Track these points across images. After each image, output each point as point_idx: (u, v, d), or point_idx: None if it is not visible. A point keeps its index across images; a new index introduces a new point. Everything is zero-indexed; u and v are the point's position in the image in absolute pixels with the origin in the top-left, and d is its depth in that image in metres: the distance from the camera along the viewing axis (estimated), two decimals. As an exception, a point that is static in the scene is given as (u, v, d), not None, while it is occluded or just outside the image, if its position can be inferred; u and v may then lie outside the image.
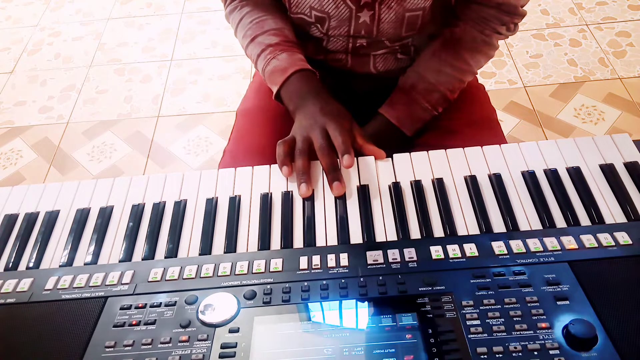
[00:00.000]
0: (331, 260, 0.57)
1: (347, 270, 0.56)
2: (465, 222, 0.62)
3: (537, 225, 0.60)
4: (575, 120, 1.78)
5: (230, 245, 0.62)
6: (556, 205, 0.62)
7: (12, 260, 0.63)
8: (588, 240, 0.57)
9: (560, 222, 0.61)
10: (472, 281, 0.54)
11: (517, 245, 0.57)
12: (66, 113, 2.00)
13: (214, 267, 0.58)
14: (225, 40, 2.25)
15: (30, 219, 0.67)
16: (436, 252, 0.57)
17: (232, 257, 0.59)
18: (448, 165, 0.68)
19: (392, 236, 0.61)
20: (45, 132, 1.93)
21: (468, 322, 0.50)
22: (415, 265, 0.56)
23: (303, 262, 0.58)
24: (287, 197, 0.66)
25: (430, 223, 0.62)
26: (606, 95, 1.85)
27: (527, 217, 0.61)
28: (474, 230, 0.61)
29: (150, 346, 0.51)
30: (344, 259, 0.57)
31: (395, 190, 0.65)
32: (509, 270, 0.54)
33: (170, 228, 0.64)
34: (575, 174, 0.65)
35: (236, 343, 0.50)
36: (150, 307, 0.54)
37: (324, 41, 0.87)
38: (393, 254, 0.57)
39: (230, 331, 0.51)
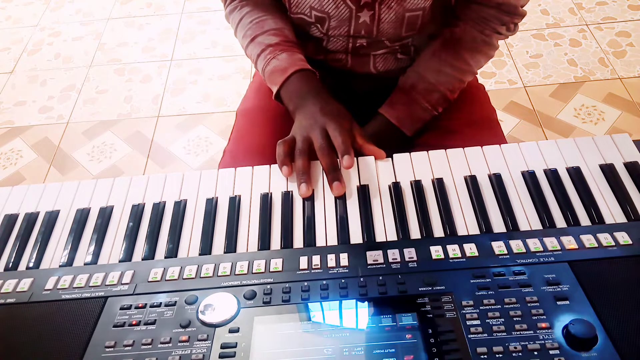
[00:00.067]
0: (331, 260, 0.57)
1: (347, 270, 0.56)
2: (465, 222, 0.62)
3: (537, 225, 0.60)
4: (575, 120, 1.78)
5: (230, 245, 0.62)
6: (556, 205, 0.62)
7: (12, 260, 0.63)
8: (588, 240, 0.57)
9: (560, 222, 0.61)
10: (472, 281, 0.54)
11: (517, 245, 0.57)
12: (66, 113, 2.00)
13: (214, 267, 0.58)
14: (225, 40, 2.25)
15: (30, 219, 0.67)
16: (436, 252, 0.57)
17: (232, 257, 0.59)
18: (448, 165, 0.68)
19: (392, 236, 0.61)
20: (45, 132, 1.93)
21: (468, 322, 0.50)
22: (415, 265, 0.56)
23: (303, 262, 0.58)
24: (287, 197, 0.66)
25: (430, 223, 0.62)
26: (606, 95, 1.85)
27: (527, 217, 0.61)
28: (474, 230, 0.61)
29: (150, 346, 0.51)
30: (344, 259, 0.57)
31: (395, 190, 0.65)
32: (509, 270, 0.54)
33: (170, 228, 0.64)
34: (575, 174, 0.65)
35: (236, 343, 0.50)
36: (150, 307, 0.54)
37: (324, 41, 0.87)
38: (393, 254, 0.57)
39: (230, 331, 0.51)
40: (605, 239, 0.57)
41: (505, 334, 0.49)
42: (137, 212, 0.66)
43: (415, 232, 0.61)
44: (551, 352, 0.47)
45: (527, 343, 0.48)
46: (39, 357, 0.51)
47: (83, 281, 0.58)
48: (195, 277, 0.57)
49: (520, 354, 0.47)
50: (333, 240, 0.61)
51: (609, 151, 0.68)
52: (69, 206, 0.68)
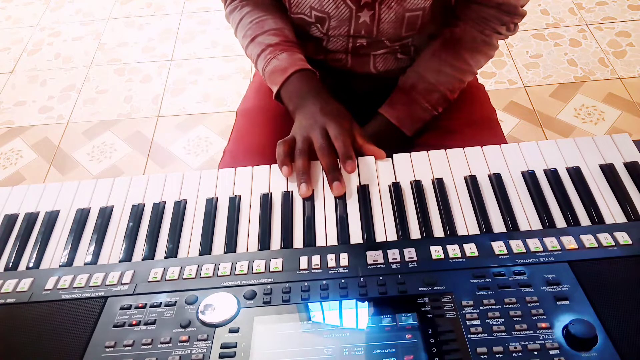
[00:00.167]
0: (331, 260, 0.57)
1: (347, 270, 0.56)
2: (465, 222, 0.62)
3: (537, 225, 0.60)
4: (575, 120, 1.78)
5: (230, 245, 0.62)
6: (556, 205, 0.62)
7: (12, 260, 0.63)
8: (588, 240, 0.57)
9: (560, 222, 0.61)
10: (472, 281, 0.54)
11: (517, 245, 0.57)
12: (66, 113, 2.00)
13: (214, 267, 0.58)
14: (225, 40, 2.25)
15: (30, 219, 0.67)
16: (436, 252, 0.57)
17: (232, 257, 0.59)
18: (448, 165, 0.68)
19: (392, 236, 0.61)
20: (45, 132, 1.93)
21: (468, 322, 0.50)
22: (415, 265, 0.56)
23: (303, 262, 0.58)
24: (287, 197, 0.66)
25: (430, 223, 0.62)
26: (606, 95, 1.85)
27: (527, 217, 0.61)
28: (474, 230, 0.61)
29: (150, 346, 0.51)
30: (344, 259, 0.57)
31: (395, 190, 0.65)
32: (509, 270, 0.54)
33: (170, 228, 0.64)
34: (575, 174, 0.65)
35: (236, 343, 0.50)
36: (150, 307, 0.54)
37: (324, 41, 0.87)
38: (393, 254, 0.57)
39: (230, 331, 0.51)
40: (605, 239, 0.57)
41: (505, 334, 0.49)
42: (137, 212, 0.66)
43: (415, 232, 0.61)
44: (551, 352, 0.47)
45: (527, 343, 0.48)
46: (39, 357, 0.51)
47: (83, 281, 0.58)
48: (195, 277, 0.57)
49: (520, 354, 0.47)
50: (333, 240, 0.61)
51: (609, 151, 0.68)
52: (69, 206, 0.68)
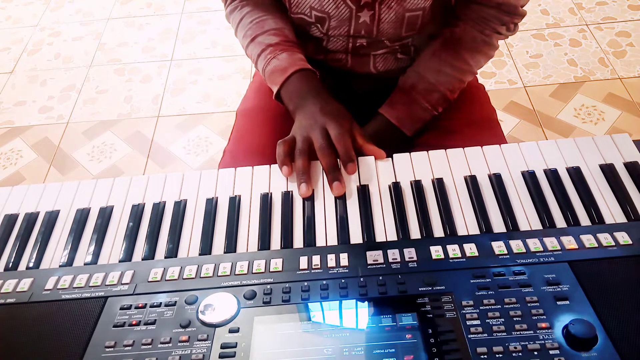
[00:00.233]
0: (331, 260, 0.57)
1: (347, 270, 0.56)
2: (465, 222, 0.62)
3: (537, 225, 0.60)
4: (575, 120, 1.78)
5: (230, 245, 0.62)
6: (556, 205, 0.62)
7: (12, 260, 0.63)
8: (588, 240, 0.57)
9: (560, 222, 0.61)
10: (472, 281, 0.54)
11: (517, 245, 0.57)
12: (66, 113, 2.00)
13: (214, 267, 0.58)
14: (225, 40, 2.25)
15: (30, 219, 0.67)
16: (436, 252, 0.57)
17: (232, 257, 0.59)
18: (448, 165, 0.68)
19: (392, 236, 0.61)
20: (45, 132, 1.93)
21: (468, 322, 0.50)
22: (415, 265, 0.56)
23: (303, 262, 0.58)
24: (287, 197, 0.66)
25: (430, 223, 0.62)
26: (606, 95, 1.85)
27: (527, 217, 0.61)
28: (474, 230, 0.61)
29: (150, 346, 0.51)
30: (344, 259, 0.57)
31: (395, 190, 0.65)
32: (509, 270, 0.54)
33: (170, 228, 0.64)
34: (575, 174, 0.65)
35: (236, 343, 0.50)
36: (150, 307, 0.54)
37: (324, 41, 0.87)
38: (393, 254, 0.57)
39: (230, 331, 0.51)
40: (605, 239, 0.57)
41: (505, 334, 0.49)
42: (137, 212, 0.66)
43: (415, 232, 0.61)
44: (551, 352, 0.47)
45: (527, 343, 0.48)
46: (39, 357, 0.51)
47: (83, 281, 0.58)
48: (195, 277, 0.57)
49: (520, 354, 0.47)
50: (333, 240, 0.61)
51: (609, 151, 0.68)
52: (69, 206, 0.68)
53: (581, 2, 2.25)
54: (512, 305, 0.51)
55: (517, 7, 0.80)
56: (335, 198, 0.66)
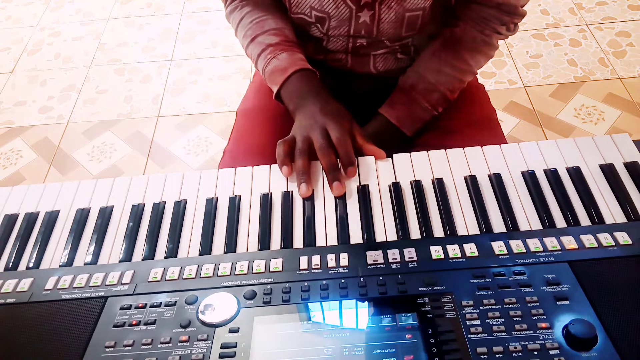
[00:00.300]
0: (331, 260, 0.57)
1: (347, 270, 0.56)
2: (465, 222, 0.62)
3: (537, 225, 0.60)
4: (575, 120, 1.78)
5: (230, 245, 0.62)
6: (556, 205, 0.62)
7: (12, 260, 0.63)
8: (588, 240, 0.57)
9: (560, 222, 0.61)
10: (472, 281, 0.54)
11: (517, 245, 0.57)
12: (66, 113, 2.00)
13: (214, 267, 0.58)
14: (225, 40, 2.25)
15: (30, 219, 0.67)
16: (436, 252, 0.57)
17: (232, 257, 0.59)
18: (448, 165, 0.68)
19: (392, 236, 0.61)
20: (45, 132, 1.93)
21: (468, 322, 0.50)
22: (415, 265, 0.56)
23: (303, 262, 0.58)
24: (287, 197, 0.66)
25: (430, 223, 0.62)
26: (606, 95, 1.85)
27: (527, 217, 0.61)
28: (474, 230, 0.61)
29: (150, 346, 0.51)
30: (344, 259, 0.57)
31: (395, 190, 0.65)
32: (509, 270, 0.54)
33: (170, 228, 0.64)
34: (575, 174, 0.65)
35: (236, 343, 0.50)
36: (150, 307, 0.54)
37: (324, 41, 0.87)
38: (393, 254, 0.57)
39: (230, 331, 0.51)
40: (605, 239, 0.57)
41: (505, 334, 0.49)
42: (137, 212, 0.66)
43: (415, 232, 0.61)
44: (551, 352, 0.47)
45: (527, 343, 0.48)
46: (39, 357, 0.51)
47: (83, 281, 0.58)
48: (195, 277, 0.57)
49: (520, 354, 0.47)
50: (333, 240, 0.61)
51: (609, 151, 0.68)
52: (69, 206, 0.68)
53: (581, 2, 2.25)
54: (512, 305, 0.51)
55: (517, 7, 0.80)
56: (335, 198, 0.66)
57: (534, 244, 0.57)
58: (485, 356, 0.47)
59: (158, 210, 0.66)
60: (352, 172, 0.67)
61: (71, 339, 0.52)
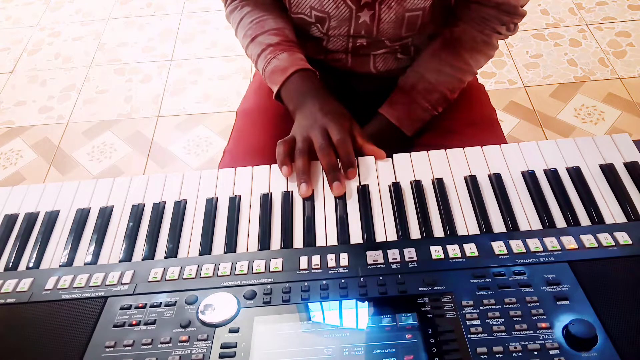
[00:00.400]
0: (331, 260, 0.57)
1: (347, 270, 0.56)
2: (465, 222, 0.62)
3: (537, 225, 0.60)
4: (575, 120, 1.78)
5: (230, 245, 0.62)
6: (556, 205, 0.62)
7: (12, 260, 0.63)
8: (588, 240, 0.57)
9: (560, 222, 0.61)
10: (472, 281, 0.54)
11: (517, 245, 0.57)
12: (66, 113, 2.00)
13: (214, 267, 0.58)
14: (225, 40, 2.25)
15: (30, 219, 0.67)
16: (436, 252, 0.57)
17: (232, 257, 0.59)
18: (448, 165, 0.68)
19: (392, 236, 0.61)
20: (45, 132, 1.93)
21: (468, 322, 0.50)
22: (415, 265, 0.56)
23: (303, 262, 0.58)
24: (287, 197, 0.66)
25: (430, 223, 0.62)
26: (606, 95, 1.85)
27: (527, 217, 0.61)
28: (474, 230, 0.61)
29: (150, 346, 0.51)
30: (344, 259, 0.57)
31: (395, 190, 0.65)
32: (509, 270, 0.54)
33: (170, 228, 0.64)
34: (575, 174, 0.65)
35: (236, 343, 0.50)
36: (150, 307, 0.54)
37: (324, 41, 0.87)
38: (393, 254, 0.57)
39: (230, 331, 0.51)
40: (605, 239, 0.57)
41: (505, 334, 0.49)
42: (137, 212, 0.66)
43: (415, 232, 0.61)
44: (551, 352, 0.47)
45: (527, 343, 0.48)
46: (39, 357, 0.51)
47: (83, 281, 0.58)
48: (195, 277, 0.57)
49: (520, 354, 0.47)
50: (333, 240, 0.61)
51: (609, 151, 0.68)
52: (69, 206, 0.68)
53: (581, 2, 2.25)
54: (512, 305, 0.51)
55: (517, 7, 0.80)
56: (335, 198, 0.66)
57: (534, 244, 0.57)
58: (485, 356, 0.47)
59: (158, 210, 0.66)
60: (352, 174, 0.67)
61: (71, 339, 0.52)
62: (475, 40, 0.82)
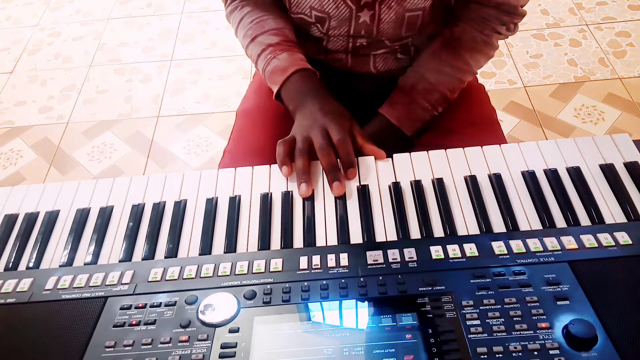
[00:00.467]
0: (331, 260, 0.57)
1: (347, 270, 0.56)
2: (465, 222, 0.62)
3: (537, 225, 0.60)
4: (575, 120, 1.78)
5: (230, 245, 0.62)
6: (556, 205, 0.62)
7: (12, 260, 0.63)
8: (588, 240, 0.57)
9: (560, 222, 0.61)
10: (472, 281, 0.54)
11: (517, 245, 0.57)
12: (66, 113, 2.00)
13: (214, 267, 0.58)
14: (225, 40, 2.25)
15: (30, 219, 0.67)
16: (436, 252, 0.57)
17: (232, 257, 0.59)
18: (448, 165, 0.68)
19: (392, 236, 0.61)
20: (45, 132, 1.93)
21: (468, 322, 0.50)
22: (415, 265, 0.56)
23: (303, 262, 0.58)
24: (287, 197, 0.66)
25: (430, 223, 0.62)
26: (606, 95, 1.85)
27: (527, 217, 0.61)
28: (474, 230, 0.61)
29: (150, 346, 0.51)
30: (344, 259, 0.57)
31: (395, 190, 0.65)
32: (509, 270, 0.54)
33: (170, 228, 0.64)
34: (575, 174, 0.65)
35: (236, 343, 0.50)
36: (150, 307, 0.54)
37: (324, 41, 0.87)
38: (393, 254, 0.57)
39: (230, 331, 0.51)
40: (605, 239, 0.57)
41: (505, 334, 0.49)
42: (137, 212, 0.66)
43: (415, 232, 0.61)
44: (551, 352, 0.47)
45: (527, 343, 0.48)
46: (39, 357, 0.51)
47: (83, 281, 0.58)
48: (195, 277, 0.57)
49: (520, 354, 0.47)
50: (333, 240, 0.61)
51: (609, 151, 0.68)
52: (69, 206, 0.68)
53: (581, 2, 2.25)
54: (512, 305, 0.51)
55: (517, 7, 0.80)
56: (335, 198, 0.66)
57: (534, 244, 0.57)
58: (485, 356, 0.47)
59: (158, 210, 0.66)
60: (352, 174, 0.67)
61: (71, 339, 0.52)
62: (475, 40, 0.82)
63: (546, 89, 1.89)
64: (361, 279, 0.55)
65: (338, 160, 0.68)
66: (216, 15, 2.39)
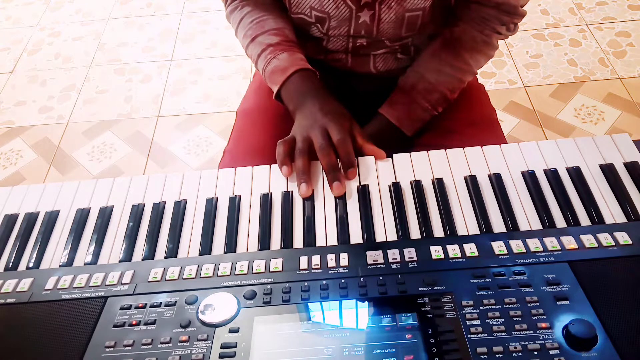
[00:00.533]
0: (331, 260, 0.57)
1: (347, 270, 0.56)
2: (465, 222, 0.62)
3: (537, 225, 0.60)
4: (575, 120, 1.78)
5: (230, 245, 0.62)
6: (556, 205, 0.62)
7: (12, 260, 0.63)
8: (588, 240, 0.57)
9: (560, 222, 0.61)
10: (472, 281, 0.54)
11: (517, 245, 0.57)
12: (66, 113, 2.00)
13: (214, 267, 0.58)
14: (225, 40, 2.25)
15: (30, 219, 0.67)
16: (436, 252, 0.57)
17: (232, 257, 0.59)
18: (448, 165, 0.68)
19: (392, 236, 0.61)
20: (45, 132, 1.93)
21: (468, 322, 0.50)
22: (415, 265, 0.56)
23: (303, 262, 0.58)
24: (287, 197, 0.66)
25: (430, 223, 0.62)
26: (606, 95, 1.85)
27: (527, 217, 0.61)
28: (474, 230, 0.61)
29: (150, 346, 0.51)
30: (344, 259, 0.57)
31: (395, 190, 0.65)
32: (509, 270, 0.54)
33: (170, 228, 0.64)
34: (575, 174, 0.65)
35: (236, 343, 0.50)
36: (150, 307, 0.54)
37: (324, 41, 0.87)
38: (393, 254, 0.57)
39: (230, 331, 0.51)
40: (605, 239, 0.57)
41: (505, 334, 0.49)
42: (137, 212, 0.66)
43: (415, 232, 0.61)
44: (551, 352, 0.47)
45: (527, 343, 0.48)
46: (39, 357, 0.51)
47: (83, 281, 0.58)
48: (195, 277, 0.57)
49: (520, 354, 0.47)
50: (333, 240, 0.61)
51: (609, 151, 0.68)
52: (69, 206, 0.68)
53: (581, 2, 2.25)
54: (512, 305, 0.51)
55: (517, 7, 0.80)
56: (335, 198, 0.66)
57: (534, 244, 0.57)
58: (485, 356, 0.47)
59: (158, 210, 0.66)
60: (352, 174, 0.67)
61: (71, 339, 0.52)
62: (475, 40, 0.82)
63: (546, 89, 1.89)
64: (361, 279, 0.55)
65: (338, 160, 0.68)
66: (216, 15, 2.39)
